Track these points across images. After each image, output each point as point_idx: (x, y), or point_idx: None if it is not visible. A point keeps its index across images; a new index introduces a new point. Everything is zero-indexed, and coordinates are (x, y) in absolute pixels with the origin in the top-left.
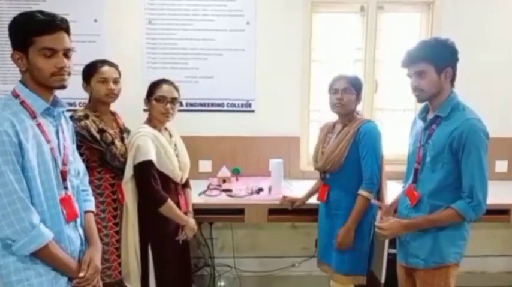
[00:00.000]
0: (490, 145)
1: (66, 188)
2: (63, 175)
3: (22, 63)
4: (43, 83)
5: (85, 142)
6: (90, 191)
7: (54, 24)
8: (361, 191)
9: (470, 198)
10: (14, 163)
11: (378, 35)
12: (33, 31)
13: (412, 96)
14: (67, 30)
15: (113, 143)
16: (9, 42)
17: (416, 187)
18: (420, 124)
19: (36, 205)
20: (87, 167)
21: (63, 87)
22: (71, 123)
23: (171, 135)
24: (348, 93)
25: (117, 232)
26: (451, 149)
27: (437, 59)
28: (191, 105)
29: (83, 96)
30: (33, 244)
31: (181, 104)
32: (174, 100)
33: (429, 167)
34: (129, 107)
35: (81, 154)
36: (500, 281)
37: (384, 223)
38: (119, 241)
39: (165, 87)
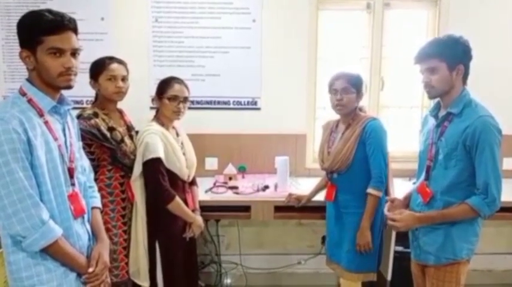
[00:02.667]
0: None
1: (73, 185)
2: (71, 172)
3: (30, 62)
4: (50, 83)
5: (95, 141)
6: (96, 188)
7: (63, 24)
8: (371, 190)
9: (485, 194)
10: (24, 160)
11: (384, 32)
12: (42, 30)
13: (418, 94)
14: (75, 30)
15: (122, 140)
16: (17, 41)
17: (428, 184)
18: (432, 121)
19: (45, 201)
20: (98, 166)
21: (69, 87)
22: (76, 120)
23: (177, 134)
24: (347, 93)
25: (125, 232)
26: (465, 146)
27: (450, 55)
28: (197, 103)
29: (89, 94)
30: (43, 240)
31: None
32: (185, 99)
33: (442, 165)
34: (135, 104)
35: (91, 153)
36: (507, 279)
37: (397, 215)
38: (126, 240)
39: (176, 86)
